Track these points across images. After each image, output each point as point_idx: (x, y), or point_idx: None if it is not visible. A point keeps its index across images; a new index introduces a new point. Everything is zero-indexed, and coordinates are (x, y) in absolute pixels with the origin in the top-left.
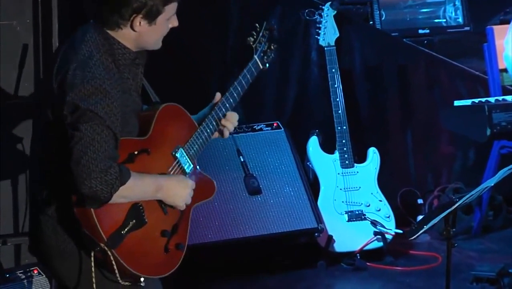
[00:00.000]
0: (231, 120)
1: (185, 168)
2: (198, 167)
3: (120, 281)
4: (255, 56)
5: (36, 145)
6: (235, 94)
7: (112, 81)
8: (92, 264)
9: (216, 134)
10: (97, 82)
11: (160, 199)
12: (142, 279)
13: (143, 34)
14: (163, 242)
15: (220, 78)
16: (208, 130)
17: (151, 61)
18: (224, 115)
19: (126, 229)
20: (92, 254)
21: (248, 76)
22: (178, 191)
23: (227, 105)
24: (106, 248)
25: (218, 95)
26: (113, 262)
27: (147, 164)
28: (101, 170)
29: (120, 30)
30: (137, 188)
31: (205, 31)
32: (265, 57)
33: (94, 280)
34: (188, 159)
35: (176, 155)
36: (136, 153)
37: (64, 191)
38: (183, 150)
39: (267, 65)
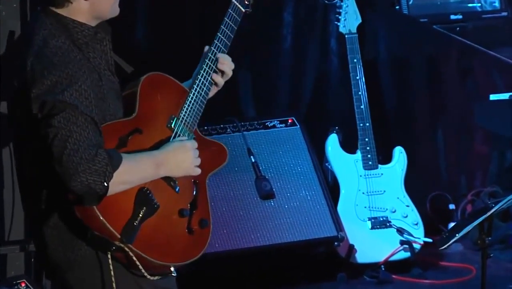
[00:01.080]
0: (226, 62)
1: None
2: (200, 135)
3: (150, 277)
4: (233, 0)
5: (17, 160)
6: (222, 47)
7: (74, 63)
8: (110, 266)
9: (214, 89)
10: (58, 69)
11: (166, 176)
12: (172, 269)
13: (95, 1)
14: (184, 223)
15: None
16: (204, 88)
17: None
18: (217, 60)
19: (138, 219)
20: (109, 255)
21: (232, 23)
22: (181, 158)
23: (216, 56)
24: (122, 245)
25: (206, 48)
26: (134, 258)
27: (142, 145)
28: (87, 160)
29: (71, 5)
30: (134, 169)
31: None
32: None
33: (114, 285)
34: (185, 128)
35: (172, 126)
36: (127, 135)
37: (61, 197)
38: (178, 118)
39: (250, 8)
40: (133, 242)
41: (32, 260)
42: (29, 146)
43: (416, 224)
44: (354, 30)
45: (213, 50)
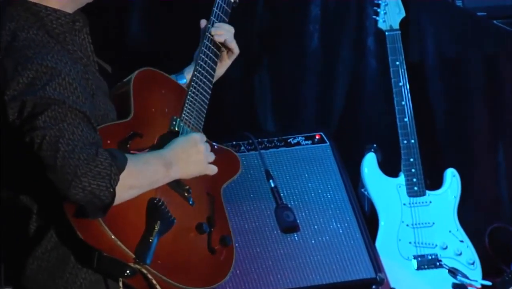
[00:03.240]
0: (221, 30)
1: None
2: (214, 143)
3: None
4: None
5: None
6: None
7: (53, 53)
8: None
9: (222, 67)
10: (34, 63)
11: (178, 181)
12: None
13: None
14: (204, 242)
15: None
16: (204, 79)
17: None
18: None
19: (154, 234)
20: (120, 283)
21: (222, 14)
22: (191, 153)
23: (210, 55)
24: (138, 267)
25: (203, 22)
26: (154, 282)
27: (144, 150)
28: (87, 161)
29: None
30: (142, 171)
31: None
32: None
33: None
34: (190, 130)
35: (176, 128)
36: (126, 139)
37: (53, 215)
38: (182, 120)
39: None
40: (151, 263)
41: None
42: (10, 160)
43: (472, 263)
44: (396, 26)
45: (209, 27)
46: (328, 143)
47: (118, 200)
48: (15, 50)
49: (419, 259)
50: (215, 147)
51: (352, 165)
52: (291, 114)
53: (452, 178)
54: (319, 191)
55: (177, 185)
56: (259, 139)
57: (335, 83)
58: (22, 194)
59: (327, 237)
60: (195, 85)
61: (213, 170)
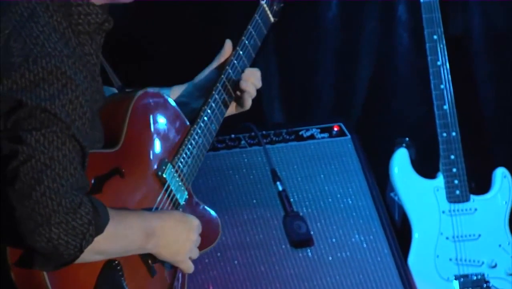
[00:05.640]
0: (252, 77)
1: (178, 197)
2: (195, 197)
3: None
4: (263, 2)
5: None
6: (238, 67)
7: (74, 60)
8: None
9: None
10: (52, 62)
11: (149, 252)
12: None
13: None
14: None
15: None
16: (213, 124)
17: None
18: (238, 82)
19: None
20: None
21: (255, 35)
22: (179, 241)
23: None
24: None
25: (228, 44)
26: None
27: (121, 194)
28: (67, 210)
29: None
30: (121, 236)
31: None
32: (275, 4)
33: None
34: (180, 182)
35: (164, 175)
36: (104, 176)
37: None
38: (173, 167)
39: (277, 17)
40: None
41: None
42: None
43: None
44: None
45: (233, 63)
46: (348, 136)
47: (78, 261)
48: (31, 34)
49: (462, 280)
50: (200, 207)
51: (378, 164)
52: (303, 102)
53: (502, 179)
54: (338, 196)
55: None
56: (264, 132)
57: (357, 64)
58: None
59: (348, 253)
60: (202, 124)
61: (188, 267)
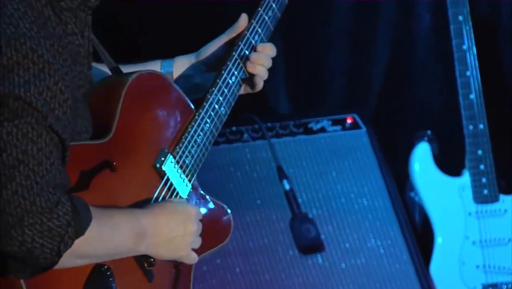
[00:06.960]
0: (262, 58)
1: (179, 190)
2: (201, 189)
3: None
4: None
5: None
6: (253, 43)
7: (53, 41)
8: None
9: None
10: (26, 43)
11: (144, 254)
12: None
13: None
14: None
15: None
16: (223, 109)
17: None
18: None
19: None
20: None
21: (274, 5)
22: (178, 236)
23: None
24: None
25: (244, 19)
26: None
27: (113, 191)
28: (42, 210)
29: None
30: (106, 238)
31: None
32: None
33: None
34: (182, 174)
35: (163, 167)
36: (92, 171)
37: None
38: (173, 157)
39: None
40: None
41: None
42: None
43: None
44: None
45: (248, 37)
46: (363, 129)
47: (58, 267)
48: (4, 13)
49: None
50: (208, 199)
51: (397, 160)
52: (312, 91)
53: None
54: (352, 196)
55: None
56: (269, 124)
57: (373, 50)
58: None
59: (363, 260)
60: (208, 108)
61: (192, 259)
